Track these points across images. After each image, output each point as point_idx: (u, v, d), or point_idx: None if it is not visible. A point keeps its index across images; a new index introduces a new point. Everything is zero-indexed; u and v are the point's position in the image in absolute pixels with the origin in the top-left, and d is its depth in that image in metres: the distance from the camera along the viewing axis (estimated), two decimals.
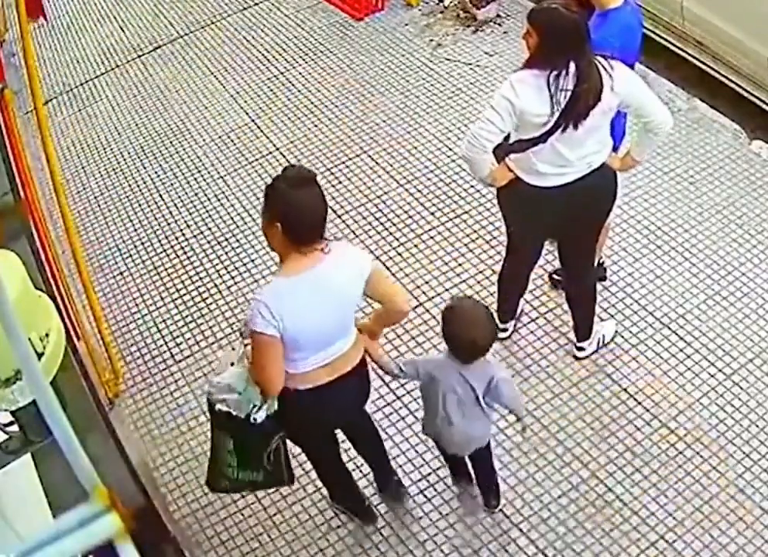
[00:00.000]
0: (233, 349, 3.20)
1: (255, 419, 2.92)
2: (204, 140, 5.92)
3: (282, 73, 6.41)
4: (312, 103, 6.04)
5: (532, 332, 4.30)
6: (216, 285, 4.87)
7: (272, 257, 4.89)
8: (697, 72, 5.64)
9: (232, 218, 5.27)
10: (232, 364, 3.03)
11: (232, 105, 6.20)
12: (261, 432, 2.98)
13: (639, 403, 3.91)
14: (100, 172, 5.91)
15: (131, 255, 5.19)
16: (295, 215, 2.65)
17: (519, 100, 3.17)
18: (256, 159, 5.65)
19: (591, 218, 3.62)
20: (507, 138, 3.42)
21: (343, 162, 5.49)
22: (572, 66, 3.12)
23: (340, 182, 5.34)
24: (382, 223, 5.02)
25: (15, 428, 2.09)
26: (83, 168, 5.99)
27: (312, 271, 2.74)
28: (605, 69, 3.15)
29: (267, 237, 2.80)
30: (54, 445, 0.87)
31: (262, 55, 6.67)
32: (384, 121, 5.75)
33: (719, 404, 3.86)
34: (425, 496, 3.71)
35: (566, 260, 3.92)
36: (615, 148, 3.62)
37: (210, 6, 7.47)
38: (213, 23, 7.22)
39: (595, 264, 4.17)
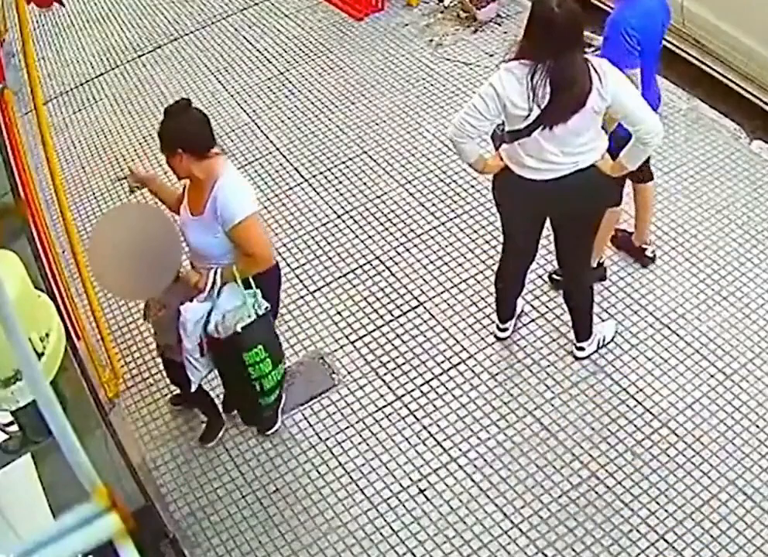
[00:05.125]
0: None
1: (265, 307, 3.33)
2: None
3: (282, 73, 6.41)
4: (312, 103, 6.04)
5: (532, 332, 4.30)
6: None
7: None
8: (697, 72, 5.63)
9: None
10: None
11: (232, 105, 6.20)
12: (269, 314, 3.42)
13: (639, 403, 3.91)
14: (100, 172, 5.91)
15: None
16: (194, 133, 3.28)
17: (504, 91, 3.20)
18: (256, 159, 5.65)
19: (579, 218, 3.61)
20: (503, 127, 3.45)
21: (343, 162, 5.48)
22: (559, 63, 3.11)
23: (340, 182, 5.34)
24: (382, 223, 5.02)
25: (15, 428, 2.10)
26: (83, 168, 5.99)
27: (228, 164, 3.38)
28: (596, 70, 3.15)
29: (176, 169, 3.36)
30: (54, 445, 0.87)
31: (262, 55, 6.67)
32: (384, 121, 5.75)
33: (719, 404, 3.86)
34: (425, 496, 3.71)
35: (561, 259, 3.93)
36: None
37: (210, 6, 7.47)
38: (213, 23, 7.22)
39: (594, 264, 4.18)
